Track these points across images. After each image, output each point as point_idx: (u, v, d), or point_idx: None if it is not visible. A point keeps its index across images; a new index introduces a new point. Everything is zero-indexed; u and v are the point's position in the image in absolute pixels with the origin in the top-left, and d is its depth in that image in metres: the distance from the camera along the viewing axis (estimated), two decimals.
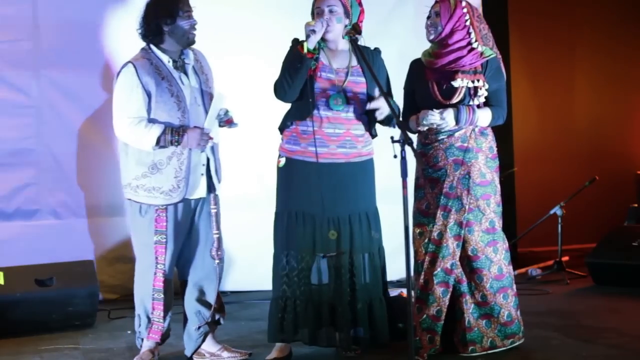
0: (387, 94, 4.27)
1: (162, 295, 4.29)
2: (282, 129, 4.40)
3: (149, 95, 4.18)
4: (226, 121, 4.30)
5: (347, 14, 4.28)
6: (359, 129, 4.33)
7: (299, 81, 4.21)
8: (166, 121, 4.18)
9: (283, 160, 4.36)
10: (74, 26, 5.99)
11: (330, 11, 4.26)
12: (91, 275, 5.39)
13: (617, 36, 8.63)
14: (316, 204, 4.25)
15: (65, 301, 5.22)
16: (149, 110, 4.19)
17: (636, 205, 7.59)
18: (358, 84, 4.31)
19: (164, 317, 4.32)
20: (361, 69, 4.33)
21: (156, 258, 4.27)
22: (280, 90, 4.27)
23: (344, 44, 4.36)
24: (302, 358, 4.43)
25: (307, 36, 4.16)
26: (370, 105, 4.26)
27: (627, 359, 4.38)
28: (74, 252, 5.68)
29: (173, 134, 4.16)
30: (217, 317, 4.46)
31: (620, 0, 8.70)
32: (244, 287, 6.29)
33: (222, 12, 6.11)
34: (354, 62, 4.34)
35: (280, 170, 4.38)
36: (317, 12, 4.30)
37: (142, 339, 4.37)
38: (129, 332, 5.11)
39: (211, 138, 4.23)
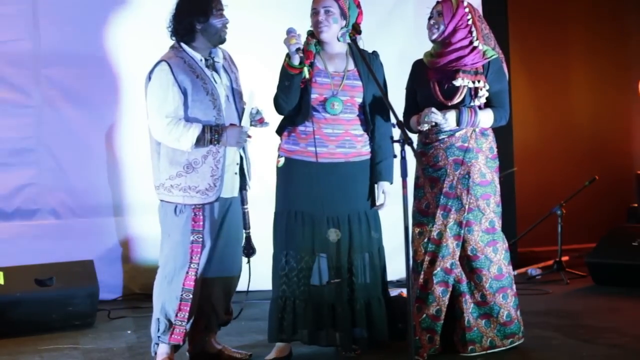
0: (385, 96, 4.25)
1: (191, 296, 4.14)
2: (279, 132, 4.40)
3: (184, 93, 4.09)
4: (258, 120, 4.27)
5: (343, 16, 4.26)
6: (358, 129, 4.33)
7: (292, 96, 4.21)
8: (202, 120, 4.09)
9: (282, 160, 4.36)
10: (74, 26, 6.00)
11: (326, 12, 4.24)
12: (91, 275, 5.38)
13: (615, 35, 8.63)
14: (315, 203, 4.26)
15: (65, 301, 5.22)
16: (185, 109, 4.10)
17: (636, 205, 7.59)
18: (354, 87, 4.30)
19: (188, 319, 4.16)
20: (358, 73, 4.32)
21: (191, 258, 4.14)
22: (278, 106, 4.28)
23: (340, 47, 4.35)
24: (302, 358, 4.43)
25: (293, 54, 4.10)
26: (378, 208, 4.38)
27: (628, 358, 4.38)
28: (74, 252, 5.67)
29: (212, 133, 4.08)
30: (225, 319, 4.44)
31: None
32: (244, 287, 6.27)
33: None
34: (351, 65, 4.33)
35: (280, 170, 4.38)
36: (312, 13, 4.29)
37: (158, 345, 4.20)
38: (129, 332, 5.12)
39: (250, 136, 4.19)
